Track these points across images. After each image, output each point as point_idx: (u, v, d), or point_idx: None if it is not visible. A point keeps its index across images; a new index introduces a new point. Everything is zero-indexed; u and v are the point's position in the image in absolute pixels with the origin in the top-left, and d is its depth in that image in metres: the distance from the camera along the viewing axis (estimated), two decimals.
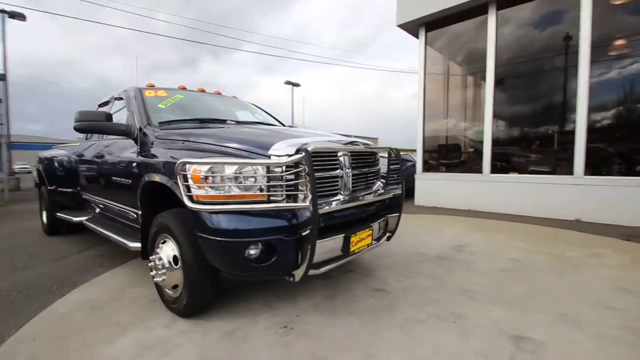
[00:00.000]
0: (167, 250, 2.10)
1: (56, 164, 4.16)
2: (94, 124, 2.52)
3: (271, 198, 1.79)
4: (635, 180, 4.24)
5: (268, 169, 1.77)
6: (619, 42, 4.67)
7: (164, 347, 1.81)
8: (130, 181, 2.45)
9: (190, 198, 1.76)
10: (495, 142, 5.46)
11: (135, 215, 2.53)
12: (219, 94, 3.67)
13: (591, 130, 4.58)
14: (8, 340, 1.93)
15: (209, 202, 1.75)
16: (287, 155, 1.82)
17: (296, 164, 1.78)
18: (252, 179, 1.76)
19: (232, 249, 1.74)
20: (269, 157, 1.83)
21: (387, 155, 2.51)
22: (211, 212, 1.76)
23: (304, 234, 1.80)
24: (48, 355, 1.78)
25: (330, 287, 2.53)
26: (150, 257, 2.18)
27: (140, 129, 2.53)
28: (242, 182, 1.75)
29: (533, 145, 5.47)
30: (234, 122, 2.97)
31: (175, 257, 2.05)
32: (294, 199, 1.81)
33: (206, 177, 1.75)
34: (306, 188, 1.76)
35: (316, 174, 1.83)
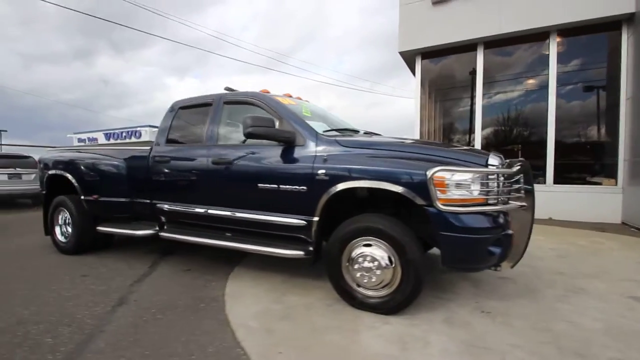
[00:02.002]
0: (376, 251, 2.25)
1: (99, 170, 3.59)
2: (265, 129, 2.47)
3: (489, 201, 2.16)
4: (589, 188, 5.77)
5: (495, 176, 2.14)
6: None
7: (415, 338, 1.99)
8: (304, 188, 2.47)
9: (437, 202, 2.02)
10: None
11: (299, 223, 2.53)
12: (300, 99, 3.75)
13: (557, 150, 6.01)
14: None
15: (457, 206, 2.04)
16: (498, 165, 2.22)
17: (515, 173, 2.19)
18: (487, 185, 2.10)
19: (479, 244, 2.05)
20: (486, 166, 2.19)
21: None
22: (458, 213, 2.04)
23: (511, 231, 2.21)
24: None
25: (466, 279, 2.95)
26: (358, 259, 2.28)
27: (303, 137, 2.58)
28: (486, 187, 2.08)
29: None
30: (361, 131, 3.17)
31: (389, 257, 2.21)
32: (505, 201, 2.21)
33: (454, 182, 2.04)
34: (522, 192, 2.19)
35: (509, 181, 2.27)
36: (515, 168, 2.18)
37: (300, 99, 3.84)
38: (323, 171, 2.39)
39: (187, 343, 1.95)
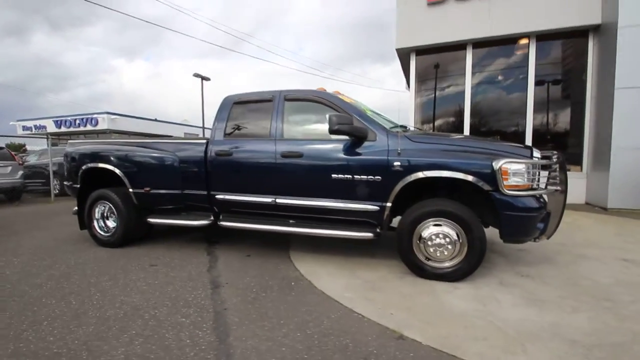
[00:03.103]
0: (446, 230, 2.70)
1: (151, 163, 3.64)
2: (348, 126, 2.78)
3: (533, 186, 2.69)
4: None
5: (543, 167, 2.67)
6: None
7: (486, 297, 2.48)
8: (379, 178, 2.83)
9: (503, 188, 2.51)
10: None
11: (373, 208, 2.90)
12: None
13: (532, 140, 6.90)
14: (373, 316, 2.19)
15: (518, 191, 2.54)
16: (540, 157, 2.75)
17: (554, 164, 2.74)
18: (536, 173, 2.62)
19: (532, 220, 2.58)
20: (531, 158, 2.71)
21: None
22: (519, 197, 2.54)
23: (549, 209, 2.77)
24: (423, 314, 2.21)
25: (493, 252, 3.53)
26: (431, 237, 2.71)
27: (374, 133, 2.93)
28: (533, 175, 2.60)
29: None
30: (408, 127, 3.57)
31: (457, 234, 2.68)
32: (545, 186, 2.76)
33: (514, 172, 2.53)
34: (563, 179, 2.75)
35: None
36: (554, 159, 2.73)
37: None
38: (398, 163, 2.77)
39: (309, 312, 2.26)
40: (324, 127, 3.13)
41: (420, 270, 2.82)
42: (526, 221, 2.58)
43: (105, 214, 3.92)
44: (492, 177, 2.54)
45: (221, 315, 2.23)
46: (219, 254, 3.57)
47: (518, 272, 2.98)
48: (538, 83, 6.94)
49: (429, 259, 2.78)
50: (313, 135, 3.25)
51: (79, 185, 3.95)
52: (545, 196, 2.77)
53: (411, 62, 7.63)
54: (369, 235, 2.96)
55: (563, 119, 7.11)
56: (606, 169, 5.81)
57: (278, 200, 3.21)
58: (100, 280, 2.86)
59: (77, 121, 25.80)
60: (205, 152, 3.46)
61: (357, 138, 2.92)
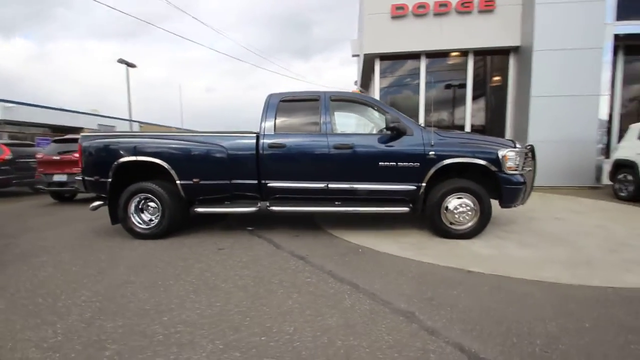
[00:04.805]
0: (466, 201, 3.68)
1: (201, 156, 3.83)
2: (399, 124, 3.53)
3: (518, 168, 3.85)
4: None
5: (523, 154, 3.83)
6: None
7: (497, 245, 3.53)
8: (418, 164, 3.66)
9: (505, 169, 3.59)
10: None
11: (411, 188, 3.73)
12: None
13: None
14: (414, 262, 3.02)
15: (513, 171, 3.64)
16: (520, 147, 3.93)
17: (529, 152, 3.94)
18: (521, 158, 3.77)
19: (521, 191, 3.72)
20: (515, 147, 3.85)
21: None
22: (514, 175, 3.65)
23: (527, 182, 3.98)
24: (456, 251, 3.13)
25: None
26: (457, 207, 3.65)
27: (411, 129, 3.74)
28: (520, 160, 3.74)
29: None
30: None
31: (473, 204, 3.69)
32: (522, 167, 3.95)
33: (511, 158, 3.63)
34: (532, 162, 3.96)
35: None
36: (529, 148, 3.93)
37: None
38: (433, 152, 3.65)
39: (393, 266, 2.98)
40: (366, 123, 3.83)
41: (446, 233, 3.76)
42: (518, 192, 3.72)
43: (140, 206, 3.95)
44: (498, 162, 3.60)
45: (332, 275, 2.80)
46: (270, 237, 3.98)
47: (503, 230, 4.16)
48: (474, 87, 8.65)
49: (452, 224, 3.74)
50: (357, 129, 3.92)
51: (110, 180, 3.88)
52: (524, 174, 3.96)
53: (375, 66, 8.68)
54: (406, 209, 3.79)
55: (490, 117, 9.00)
56: None
57: (330, 185, 3.81)
58: (189, 264, 3.09)
59: None
60: (257, 144, 3.83)
61: (401, 133, 3.69)
